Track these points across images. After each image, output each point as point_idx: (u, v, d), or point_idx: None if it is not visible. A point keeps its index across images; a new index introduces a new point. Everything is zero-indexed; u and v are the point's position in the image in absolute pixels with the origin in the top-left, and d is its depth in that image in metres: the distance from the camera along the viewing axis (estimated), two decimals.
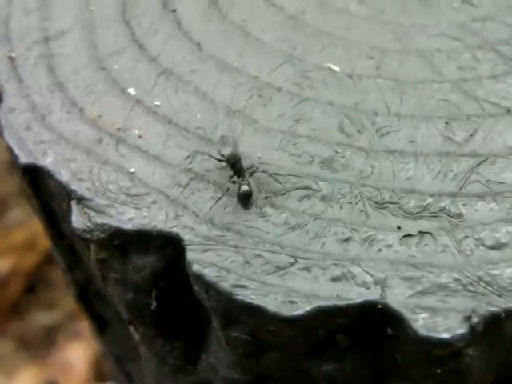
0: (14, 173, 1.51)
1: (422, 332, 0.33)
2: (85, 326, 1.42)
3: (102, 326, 0.50)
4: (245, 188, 0.37)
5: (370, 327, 0.35)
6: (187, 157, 0.39)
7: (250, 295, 0.34)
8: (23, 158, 0.41)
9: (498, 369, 0.36)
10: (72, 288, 0.48)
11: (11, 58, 0.46)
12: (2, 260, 1.45)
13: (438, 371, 0.34)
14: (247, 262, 0.35)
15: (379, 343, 0.36)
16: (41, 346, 1.42)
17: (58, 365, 1.39)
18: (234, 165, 0.37)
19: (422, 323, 0.33)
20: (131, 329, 0.43)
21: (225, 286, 0.34)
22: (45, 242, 1.47)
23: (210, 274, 0.35)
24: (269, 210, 0.37)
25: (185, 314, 0.41)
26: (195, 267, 0.35)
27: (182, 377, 0.44)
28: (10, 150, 0.42)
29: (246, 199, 0.36)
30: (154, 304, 0.39)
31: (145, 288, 0.39)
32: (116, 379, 0.63)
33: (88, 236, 0.38)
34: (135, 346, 0.47)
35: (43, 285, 1.47)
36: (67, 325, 1.43)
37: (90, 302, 0.48)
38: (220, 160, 0.38)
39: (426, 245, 0.35)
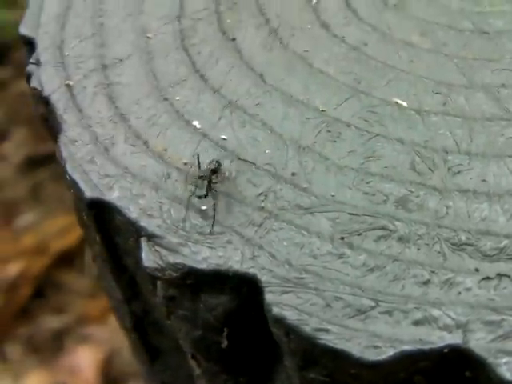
0: (27, 176, 1.51)
1: (508, 376, 0.33)
2: (94, 330, 1.42)
3: (153, 355, 0.50)
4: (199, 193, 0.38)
5: (448, 369, 0.35)
6: (259, 194, 0.39)
7: (333, 339, 0.34)
8: (88, 193, 0.40)
9: None
10: (127, 319, 0.48)
11: (68, 86, 0.45)
12: (12, 264, 1.45)
13: None
14: (328, 305, 0.35)
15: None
16: (49, 349, 1.42)
17: (66, 369, 1.39)
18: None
19: (504, 367, 0.33)
20: (192, 363, 0.43)
21: (307, 329, 0.34)
22: (55, 246, 1.47)
23: (291, 317, 0.35)
24: (346, 250, 0.37)
25: (254, 352, 0.40)
26: (275, 310, 0.35)
27: None
28: (73, 183, 0.41)
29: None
30: (226, 343, 0.39)
31: (216, 327, 0.38)
32: None
33: (159, 275, 0.38)
34: (191, 375, 0.47)
35: (52, 289, 1.47)
36: (76, 329, 1.43)
37: (145, 331, 0.48)
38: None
39: (504, 288, 0.35)
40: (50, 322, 1.41)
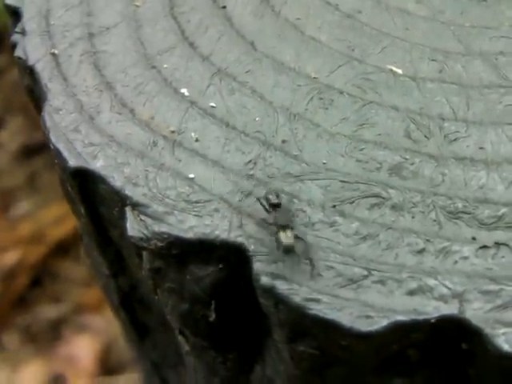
0: (23, 164, 1.50)
1: (504, 348, 0.32)
2: (91, 319, 1.41)
3: (142, 333, 0.49)
4: (288, 242, 0.34)
5: (444, 342, 0.34)
6: (249, 161, 0.37)
7: (323, 309, 0.33)
8: (72, 162, 0.39)
9: None
10: (114, 296, 0.47)
11: (54, 55, 0.44)
12: (9, 252, 1.44)
13: None
14: (319, 275, 0.33)
15: (452, 358, 0.35)
16: (47, 339, 1.41)
17: (63, 358, 1.38)
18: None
19: (502, 338, 0.32)
20: (181, 339, 0.42)
21: (296, 299, 0.33)
22: (51, 235, 1.46)
23: (280, 286, 0.33)
24: (338, 219, 0.35)
25: (242, 325, 0.39)
26: (264, 280, 0.33)
27: None
28: (56, 152, 0.40)
29: (287, 253, 0.34)
30: (213, 316, 0.37)
31: (203, 299, 0.37)
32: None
33: (145, 244, 0.36)
34: (179, 353, 0.45)
35: (49, 278, 1.46)
36: (73, 318, 1.43)
37: (133, 308, 0.47)
38: (267, 210, 0.35)
39: (502, 257, 0.34)
40: (48, 311, 1.40)
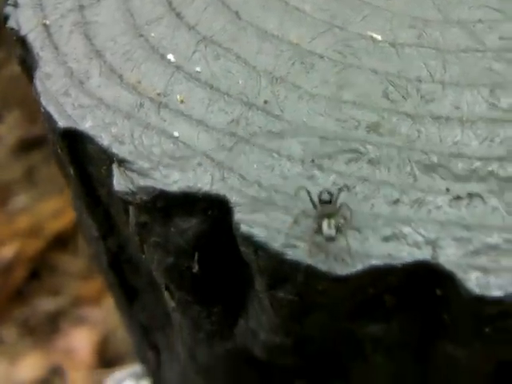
0: (21, 158, 1.51)
1: (475, 291, 0.33)
2: (89, 311, 1.42)
3: (131, 295, 0.50)
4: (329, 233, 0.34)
5: (418, 288, 0.35)
6: (231, 121, 0.39)
7: (300, 255, 0.34)
8: (62, 123, 0.40)
9: None
10: (103, 257, 0.48)
11: (45, 26, 0.45)
12: (7, 246, 1.45)
13: (487, 330, 0.35)
14: (296, 223, 0.35)
15: (427, 304, 0.36)
16: (45, 331, 1.42)
17: (61, 350, 1.39)
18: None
19: (474, 282, 0.33)
20: (166, 295, 0.43)
21: (275, 246, 0.34)
22: (49, 228, 1.47)
23: (259, 234, 0.35)
24: (316, 172, 0.37)
25: (224, 278, 0.41)
26: (244, 228, 0.35)
27: (217, 342, 0.44)
28: (47, 115, 0.41)
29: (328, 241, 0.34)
30: (196, 267, 0.39)
31: (187, 251, 0.38)
32: (139, 356, 0.63)
33: (130, 199, 0.38)
34: (167, 313, 0.47)
35: (47, 271, 1.47)
36: (71, 311, 1.44)
37: (121, 270, 0.48)
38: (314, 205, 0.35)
39: (475, 207, 0.35)
40: (46, 304, 1.41)
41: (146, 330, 0.53)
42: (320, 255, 0.34)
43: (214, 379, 0.49)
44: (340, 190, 0.35)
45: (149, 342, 0.55)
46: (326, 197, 0.35)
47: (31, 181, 1.52)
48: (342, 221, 0.35)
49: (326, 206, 0.35)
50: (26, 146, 1.52)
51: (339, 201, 0.35)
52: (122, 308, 0.54)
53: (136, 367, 0.80)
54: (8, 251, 1.43)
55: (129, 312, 0.52)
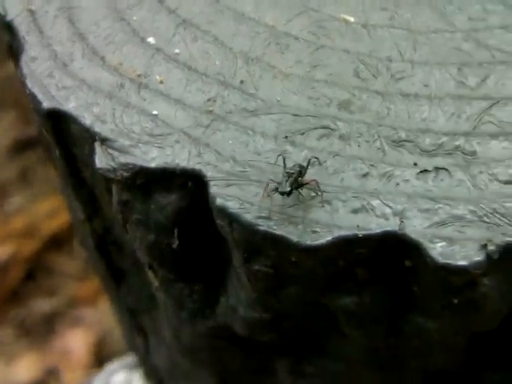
0: (16, 159, 1.52)
1: (440, 260, 0.34)
2: (85, 312, 1.43)
3: (118, 278, 0.51)
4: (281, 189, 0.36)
5: (388, 261, 0.37)
6: (208, 100, 0.40)
7: (272, 226, 0.35)
8: (46, 104, 0.41)
9: None
10: (89, 240, 0.49)
11: (31, 11, 0.46)
12: (2, 247, 1.46)
13: (455, 301, 0.36)
14: (269, 196, 0.36)
15: (397, 277, 0.37)
16: (41, 332, 1.42)
17: (57, 351, 1.40)
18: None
19: (439, 251, 0.34)
20: (150, 275, 0.44)
21: (248, 217, 0.36)
22: (45, 229, 1.48)
23: (233, 206, 0.36)
24: (289, 147, 0.38)
25: (204, 256, 0.42)
26: (219, 201, 0.36)
27: (200, 321, 0.45)
28: (32, 96, 0.42)
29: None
30: (176, 243, 0.40)
31: (167, 227, 0.40)
32: (129, 343, 0.64)
33: (112, 175, 0.39)
34: (152, 295, 0.48)
35: (43, 272, 1.48)
36: (67, 312, 1.44)
37: (108, 252, 0.49)
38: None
39: (441, 180, 0.37)
40: (41, 305, 1.41)
41: (134, 314, 0.55)
42: (276, 216, 0.35)
43: (198, 360, 0.50)
44: (309, 161, 0.37)
45: (136, 326, 0.56)
46: (295, 168, 0.36)
47: (26, 182, 1.53)
48: (313, 194, 0.36)
49: (289, 168, 0.36)
50: (21, 146, 1.53)
51: (308, 172, 0.36)
52: (110, 291, 0.55)
53: (128, 359, 0.81)
54: (3, 252, 1.44)
55: (116, 295, 0.54)
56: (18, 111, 1.54)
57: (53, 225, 1.47)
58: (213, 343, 0.47)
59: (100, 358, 1.36)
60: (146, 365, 0.62)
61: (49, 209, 1.48)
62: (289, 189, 0.35)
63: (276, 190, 0.36)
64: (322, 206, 0.36)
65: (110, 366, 0.82)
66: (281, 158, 0.37)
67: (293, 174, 0.36)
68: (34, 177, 1.53)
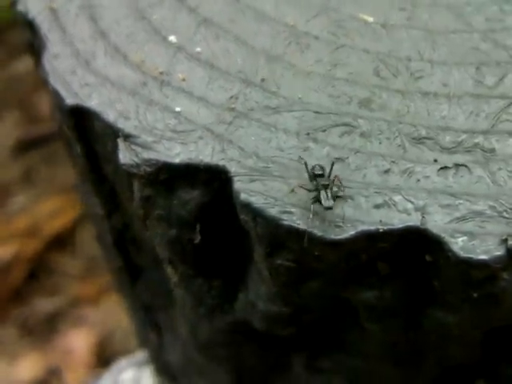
0: (19, 159, 1.53)
1: (461, 254, 0.35)
2: (87, 312, 1.43)
3: (134, 274, 0.52)
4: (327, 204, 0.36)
5: (409, 255, 0.37)
6: (230, 97, 0.41)
7: (296, 220, 0.36)
8: (70, 100, 0.42)
9: None
10: (108, 236, 0.50)
11: (52, 10, 0.47)
12: (5, 246, 1.46)
13: (475, 295, 0.36)
14: (292, 191, 0.37)
15: (418, 271, 0.38)
16: (43, 332, 1.42)
17: (60, 351, 1.40)
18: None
19: (461, 246, 0.35)
20: (169, 270, 0.45)
21: (272, 212, 0.36)
22: (47, 229, 1.48)
23: (257, 201, 0.36)
24: (311, 144, 0.39)
25: (224, 251, 0.42)
26: (243, 196, 0.37)
27: (218, 317, 0.45)
28: (55, 93, 0.43)
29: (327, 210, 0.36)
30: (198, 238, 0.40)
31: (189, 222, 0.40)
32: (141, 339, 0.65)
33: (135, 171, 0.39)
34: (169, 292, 0.48)
35: (45, 271, 1.48)
36: (69, 311, 1.44)
37: (126, 249, 0.50)
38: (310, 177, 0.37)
39: (461, 176, 0.37)
40: (44, 305, 1.42)
41: (149, 310, 0.55)
42: (317, 222, 0.36)
43: (214, 356, 0.51)
44: (333, 163, 0.37)
45: (151, 322, 0.56)
46: (318, 170, 0.37)
47: (29, 181, 1.53)
48: (335, 189, 0.37)
49: (321, 178, 0.37)
50: (25, 146, 1.53)
51: (332, 173, 0.37)
52: (125, 288, 0.55)
53: (138, 356, 0.81)
54: (6, 252, 1.44)
55: (132, 292, 0.54)
56: (21, 111, 1.55)
57: (55, 225, 1.47)
58: (230, 339, 0.47)
59: (102, 357, 1.37)
60: (159, 361, 0.63)
61: (51, 209, 1.48)
62: (333, 202, 0.36)
63: (318, 202, 0.36)
64: (346, 201, 0.36)
65: (119, 364, 0.82)
66: (302, 162, 0.37)
67: (328, 185, 0.36)
68: (36, 177, 1.53)
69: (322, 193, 0.36)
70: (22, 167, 1.53)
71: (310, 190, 0.37)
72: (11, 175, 1.53)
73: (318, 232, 0.36)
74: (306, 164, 0.37)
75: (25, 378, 1.34)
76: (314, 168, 0.37)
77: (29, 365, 1.36)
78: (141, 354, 0.79)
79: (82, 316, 1.41)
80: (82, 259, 1.47)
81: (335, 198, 0.36)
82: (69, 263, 1.46)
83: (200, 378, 0.55)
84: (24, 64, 1.55)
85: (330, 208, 0.36)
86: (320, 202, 0.36)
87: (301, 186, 0.37)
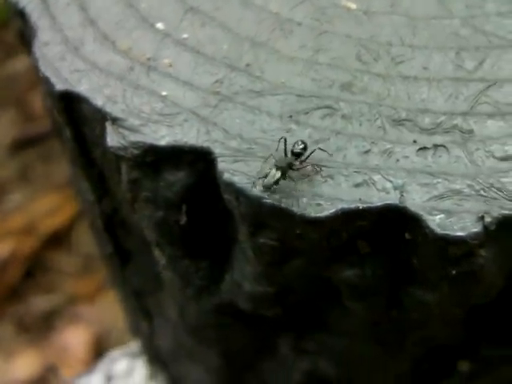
0: (15, 157, 1.54)
1: (439, 231, 0.36)
2: (84, 309, 1.44)
3: (124, 259, 0.53)
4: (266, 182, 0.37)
5: (389, 234, 0.38)
6: (215, 81, 0.42)
7: (278, 199, 0.37)
8: (59, 86, 0.43)
9: (509, 275, 0.39)
10: (98, 221, 0.51)
11: None
12: (1, 244, 1.47)
13: (453, 272, 0.37)
14: (265, 162, 0.38)
15: (397, 249, 0.39)
16: (40, 329, 1.43)
17: (56, 348, 1.40)
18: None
19: (438, 222, 0.36)
20: (157, 253, 0.46)
21: (254, 191, 0.37)
22: (44, 226, 1.49)
23: (240, 181, 0.37)
24: (293, 126, 0.40)
25: (210, 233, 0.43)
26: (226, 175, 0.38)
27: (205, 297, 0.46)
28: (45, 79, 0.44)
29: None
30: (184, 219, 0.41)
31: (175, 203, 0.41)
32: (132, 326, 0.66)
33: (122, 153, 0.40)
34: (157, 275, 0.49)
35: (42, 269, 1.49)
36: (66, 309, 1.45)
37: (115, 233, 0.51)
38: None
39: (440, 156, 0.38)
40: (40, 302, 1.42)
41: (140, 296, 0.56)
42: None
43: (203, 338, 0.52)
44: (313, 150, 0.38)
45: (142, 309, 0.57)
46: (297, 149, 0.38)
47: (26, 179, 1.54)
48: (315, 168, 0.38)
49: (281, 159, 0.38)
50: (21, 144, 1.54)
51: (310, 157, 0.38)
52: (116, 274, 0.56)
53: (131, 347, 0.82)
54: (3, 249, 1.45)
55: (122, 278, 0.55)
56: (17, 109, 1.56)
57: (52, 222, 1.48)
58: (218, 320, 0.48)
59: (98, 354, 1.37)
60: (150, 349, 0.64)
61: (48, 207, 1.49)
62: (271, 184, 0.37)
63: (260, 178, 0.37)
64: (325, 181, 0.37)
65: (112, 354, 0.83)
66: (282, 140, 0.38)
67: (281, 167, 0.37)
68: (33, 175, 1.54)
69: (272, 172, 0.37)
70: (18, 165, 1.54)
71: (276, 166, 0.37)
72: (7, 173, 1.53)
73: (298, 210, 0.37)
74: (285, 141, 0.38)
75: (21, 375, 1.34)
76: (294, 145, 0.38)
77: (25, 362, 1.36)
78: (134, 345, 0.80)
79: (78, 313, 1.41)
80: (79, 257, 1.48)
81: (277, 182, 0.37)
82: (65, 261, 1.47)
83: (190, 362, 0.56)
84: (20, 63, 1.56)
85: (268, 188, 0.37)
86: (265, 177, 0.37)
87: (272, 156, 0.38)
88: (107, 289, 1.40)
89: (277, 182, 0.37)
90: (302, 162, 0.38)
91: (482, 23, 0.44)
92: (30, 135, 1.53)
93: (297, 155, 0.38)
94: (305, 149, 0.38)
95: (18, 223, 1.47)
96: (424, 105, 0.40)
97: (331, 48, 0.43)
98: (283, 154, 0.38)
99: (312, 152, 0.38)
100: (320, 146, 0.38)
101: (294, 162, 0.38)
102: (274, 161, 0.38)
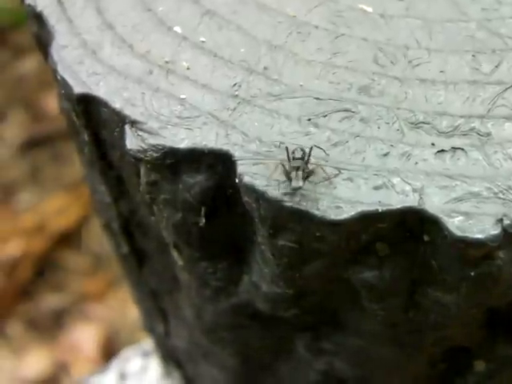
0: (26, 157, 1.54)
1: (458, 233, 0.36)
2: (94, 308, 1.45)
3: (141, 260, 0.53)
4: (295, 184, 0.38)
5: (408, 236, 0.38)
6: (234, 85, 0.42)
7: (298, 202, 0.37)
8: (78, 89, 0.43)
9: None
10: (115, 222, 0.51)
11: (60, 2, 0.48)
12: (12, 243, 1.48)
13: (472, 274, 0.38)
14: (276, 168, 0.38)
15: (416, 251, 0.39)
16: (50, 327, 1.44)
17: (66, 346, 1.41)
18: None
19: (457, 225, 0.36)
20: (175, 254, 0.46)
21: (275, 194, 0.37)
22: (54, 226, 1.50)
23: (260, 183, 0.38)
24: (312, 129, 0.40)
25: (229, 234, 0.44)
26: (246, 178, 0.38)
27: (223, 299, 0.47)
28: (63, 83, 0.44)
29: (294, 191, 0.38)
30: (203, 221, 0.42)
31: (194, 206, 0.41)
32: (147, 326, 0.66)
33: (142, 156, 0.41)
34: (174, 276, 0.50)
35: (52, 268, 1.49)
36: (76, 307, 1.46)
37: (132, 234, 0.51)
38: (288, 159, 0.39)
39: (458, 159, 0.39)
40: (51, 301, 1.43)
41: (156, 296, 0.56)
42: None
43: (219, 339, 0.52)
44: (311, 149, 0.38)
45: (158, 309, 0.58)
46: (297, 153, 0.38)
47: (36, 179, 1.55)
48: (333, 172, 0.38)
49: (296, 160, 0.38)
50: (31, 145, 1.55)
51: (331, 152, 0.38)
52: (132, 275, 0.57)
53: (144, 345, 0.83)
54: (13, 249, 1.46)
55: (139, 278, 0.55)
56: (27, 110, 1.56)
57: (62, 222, 1.49)
58: (234, 321, 0.49)
59: (108, 353, 1.38)
60: (165, 348, 0.64)
61: (58, 206, 1.50)
62: (302, 183, 0.37)
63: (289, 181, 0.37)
64: (331, 184, 0.38)
65: (126, 353, 0.84)
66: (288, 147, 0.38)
67: (299, 167, 0.38)
68: (43, 175, 1.55)
69: (293, 174, 0.37)
70: (28, 165, 1.55)
71: (287, 171, 0.38)
72: (18, 173, 1.54)
73: (318, 213, 0.37)
74: (286, 148, 0.39)
75: (32, 373, 1.35)
76: (294, 151, 0.39)
77: (36, 360, 1.37)
78: (147, 344, 0.80)
79: (88, 312, 1.42)
80: (89, 256, 1.48)
81: (305, 179, 0.37)
82: (75, 260, 1.48)
83: (206, 362, 0.57)
84: (29, 64, 1.57)
85: (298, 188, 0.37)
86: (290, 181, 0.37)
87: (282, 165, 0.38)
88: (117, 287, 1.41)
89: (301, 186, 0.37)
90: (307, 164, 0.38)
91: (498, 26, 0.44)
92: (39, 136, 1.54)
93: (301, 159, 0.38)
94: (304, 154, 0.38)
95: (29, 223, 1.48)
96: (441, 108, 0.40)
97: (348, 51, 0.43)
98: (297, 159, 0.38)
99: (310, 150, 0.38)
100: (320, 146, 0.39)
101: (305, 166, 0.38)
102: (287, 166, 0.38)
